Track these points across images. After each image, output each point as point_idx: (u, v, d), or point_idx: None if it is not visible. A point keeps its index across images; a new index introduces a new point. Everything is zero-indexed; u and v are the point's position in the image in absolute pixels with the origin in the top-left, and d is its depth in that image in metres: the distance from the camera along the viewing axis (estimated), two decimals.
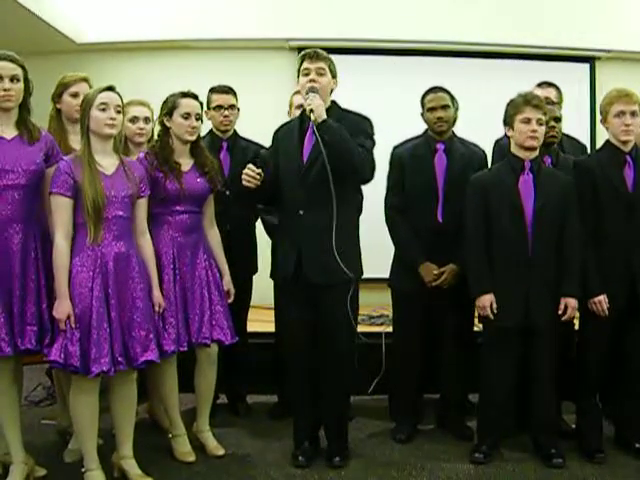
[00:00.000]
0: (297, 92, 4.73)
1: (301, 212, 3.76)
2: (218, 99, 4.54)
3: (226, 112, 4.54)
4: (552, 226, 3.80)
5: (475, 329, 4.48)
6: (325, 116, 3.64)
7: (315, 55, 3.79)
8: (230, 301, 4.03)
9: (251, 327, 4.81)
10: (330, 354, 3.83)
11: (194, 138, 3.89)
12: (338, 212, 3.65)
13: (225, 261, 4.04)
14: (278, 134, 3.98)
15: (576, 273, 3.80)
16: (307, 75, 3.78)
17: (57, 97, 3.98)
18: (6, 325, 3.32)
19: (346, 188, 3.77)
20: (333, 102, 3.86)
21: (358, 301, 3.91)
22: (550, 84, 4.58)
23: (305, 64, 3.79)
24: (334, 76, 3.84)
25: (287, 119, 4.50)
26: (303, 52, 3.86)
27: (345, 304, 3.70)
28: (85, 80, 4.00)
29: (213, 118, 4.55)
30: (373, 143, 3.85)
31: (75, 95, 3.93)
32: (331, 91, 3.85)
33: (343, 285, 3.70)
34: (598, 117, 4.05)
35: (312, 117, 3.63)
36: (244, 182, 3.73)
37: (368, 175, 3.80)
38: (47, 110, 4.00)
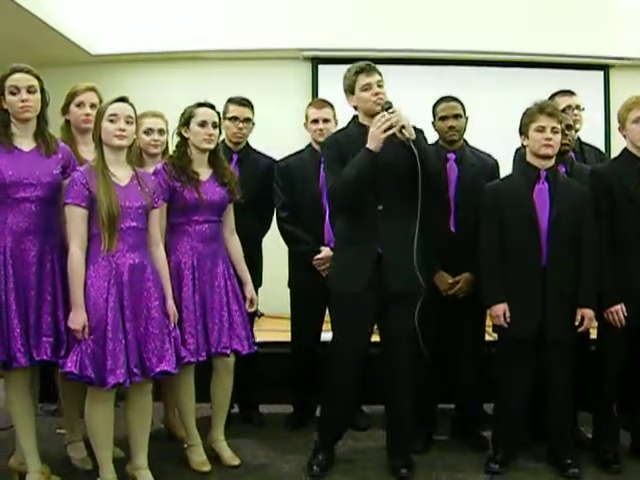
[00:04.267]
0: (312, 104, 4.74)
1: (380, 221, 3.74)
2: (234, 110, 4.52)
3: (240, 124, 4.51)
4: (567, 236, 3.78)
5: (489, 339, 4.48)
6: (414, 134, 3.65)
7: (372, 69, 3.78)
8: (253, 309, 4.05)
9: (265, 337, 4.81)
10: (396, 367, 3.85)
11: (212, 146, 3.89)
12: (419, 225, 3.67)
13: (247, 270, 4.05)
14: (340, 145, 3.84)
15: (593, 284, 3.78)
16: (368, 90, 3.75)
17: (65, 108, 4.00)
18: (22, 336, 3.34)
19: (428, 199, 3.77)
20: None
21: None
22: (572, 92, 4.56)
23: (364, 79, 3.75)
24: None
25: (303, 130, 4.52)
26: (355, 68, 3.80)
27: (413, 318, 3.69)
28: (92, 90, 4.01)
29: (227, 128, 4.50)
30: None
31: (80, 105, 3.96)
32: None
33: (415, 297, 3.69)
34: (613, 125, 4.04)
35: (405, 134, 3.61)
36: (394, 129, 3.62)
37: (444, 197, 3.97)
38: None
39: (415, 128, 3.83)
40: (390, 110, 3.65)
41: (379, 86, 3.76)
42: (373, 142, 3.63)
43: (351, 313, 3.81)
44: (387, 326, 3.86)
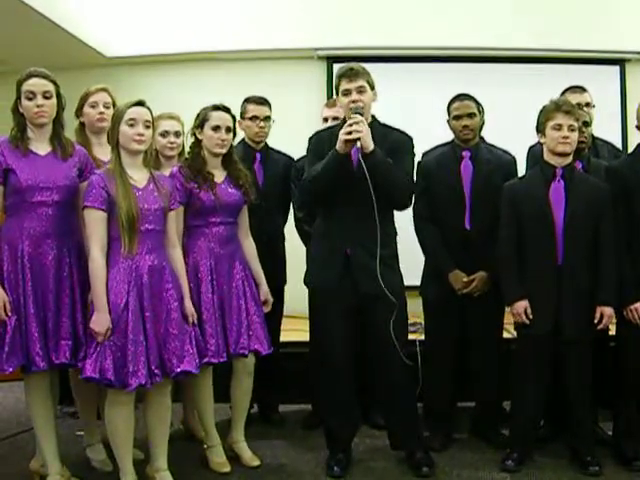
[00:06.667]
0: (326, 104, 4.75)
1: (349, 221, 3.77)
2: (254, 110, 4.53)
3: (262, 123, 4.53)
4: (584, 234, 3.76)
5: (508, 336, 4.46)
6: (372, 146, 3.63)
7: (354, 73, 3.75)
8: (268, 310, 4.04)
9: (283, 336, 4.83)
10: (383, 368, 3.85)
11: (224, 151, 3.89)
12: (382, 232, 3.68)
13: (261, 271, 4.05)
14: (322, 142, 3.89)
15: (612, 281, 3.76)
16: (347, 95, 3.75)
17: (79, 111, 4.04)
18: (41, 340, 3.37)
19: (389, 207, 3.84)
20: (373, 117, 3.84)
21: (406, 325, 3.96)
22: (583, 88, 4.53)
23: (344, 85, 3.76)
24: (373, 88, 3.81)
25: (317, 129, 4.50)
26: (340, 71, 3.81)
27: (388, 325, 3.70)
28: (104, 90, 4.05)
29: (248, 128, 4.53)
30: (414, 163, 3.94)
31: (94, 105, 4.00)
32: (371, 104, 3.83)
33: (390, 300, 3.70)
34: (630, 119, 4.02)
35: (358, 144, 3.61)
36: (350, 136, 3.60)
37: (407, 206, 3.92)
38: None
39: (405, 135, 3.87)
40: (353, 117, 3.64)
41: (360, 92, 3.75)
42: (338, 143, 3.65)
43: (326, 310, 3.86)
44: (366, 326, 3.86)
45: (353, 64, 3.81)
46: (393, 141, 3.78)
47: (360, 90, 3.75)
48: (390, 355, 3.77)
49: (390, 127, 3.87)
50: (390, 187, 3.71)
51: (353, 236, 3.77)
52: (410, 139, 3.90)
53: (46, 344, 3.39)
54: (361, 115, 3.66)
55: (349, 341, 3.85)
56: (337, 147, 3.65)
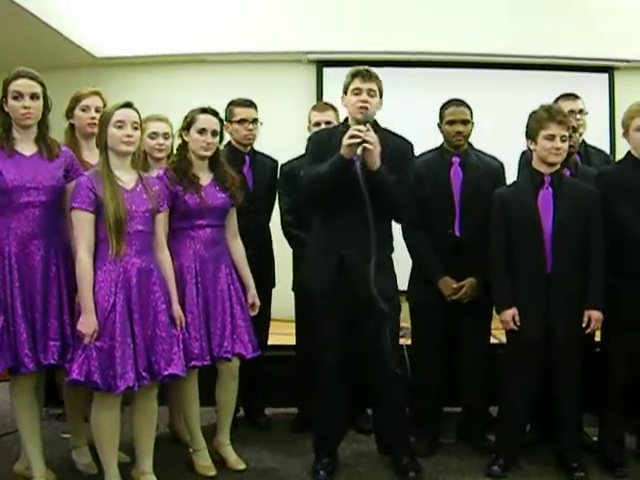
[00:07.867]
0: (314, 108, 4.74)
1: (346, 224, 3.75)
2: (242, 112, 4.51)
3: (250, 126, 4.51)
4: (572, 240, 3.77)
5: (495, 341, 4.46)
6: (378, 164, 3.63)
7: (368, 75, 3.77)
8: (254, 314, 4.03)
9: (271, 340, 4.81)
10: (378, 372, 3.85)
11: (208, 154, 3.88)
12: (379, 237, 3.70)
13: (250, 274, 4.04)
14: (321, 142, 3.89)
15: (600, 285, 3.77)
16: (357, 95, 3.75)
17: (69, 112, 4.02)
18: (29, 341, 3.35)
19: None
20: (375, 121, 3.81)
21: (398, 333, 3.97)
22: (576, 95, 4.54)
23: (357, 83, 3.76)
24: (381, 96, 3.82)
25: (306, 133, 4.49)
26: (354, 70, 3.81)
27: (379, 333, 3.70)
28: (97, 94, 4.04)
29: (236, 132, 4.51)
30: (413, 173, 3.93)
31: (85, 109, 3.98)
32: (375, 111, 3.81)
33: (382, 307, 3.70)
34: (618, 127, 4.04)
35: (358, 151, 3.61)
36: (352, 141, 3.59)
37: (402, 219, 3.98)
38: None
39: (406, 141, 3.88)
40: (364, 125, 3.63)
41: (370, 95, 3.76)
42: (342, 148, 3.63)
43: (320, 311, 3.85)
44: (358, 329, 3.84)
45: (367, 67, 3.83)
46: (394, 148, 3.78)
47: (371, 93, 3.76)
48: (380, 363, 3.77)
49: (391, 132, 3.87)
50: (390, 203, 3.76)
51: (349, 239, 3.75)
52: (411, 146, 3.91)
53: (34, 345, 3.38)
54: (367, 124, 3.64)
55: (342, 342, 3.83)
56: (341, 151, 3.63)
